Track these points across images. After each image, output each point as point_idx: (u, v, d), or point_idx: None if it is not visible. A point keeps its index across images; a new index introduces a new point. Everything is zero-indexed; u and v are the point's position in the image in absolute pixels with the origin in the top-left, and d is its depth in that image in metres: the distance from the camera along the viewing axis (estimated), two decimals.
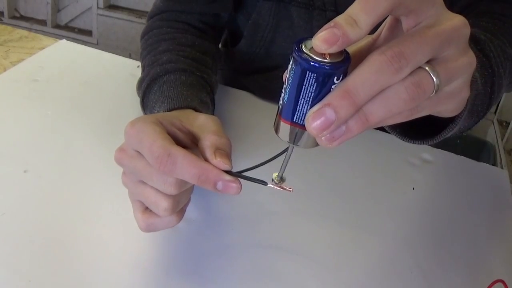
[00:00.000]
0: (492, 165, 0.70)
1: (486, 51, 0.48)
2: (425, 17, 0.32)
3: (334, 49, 0.30)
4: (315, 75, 0.31)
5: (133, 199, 0.45)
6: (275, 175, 0.40)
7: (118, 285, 0.46)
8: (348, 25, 0.29)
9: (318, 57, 0.30)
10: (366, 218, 0.58)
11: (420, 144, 0.43)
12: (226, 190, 0.40)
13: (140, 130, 0.41)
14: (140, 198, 0.44)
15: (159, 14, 0.73)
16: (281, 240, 0.53)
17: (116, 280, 0.47)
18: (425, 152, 0.69)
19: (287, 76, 0.32)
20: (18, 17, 2.73)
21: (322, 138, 0.32)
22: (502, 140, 1.77)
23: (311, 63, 0.30)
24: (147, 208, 0.44)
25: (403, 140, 0.44)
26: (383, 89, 0.31)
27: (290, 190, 0.40)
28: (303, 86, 0.31)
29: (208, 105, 0.58)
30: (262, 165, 0.42)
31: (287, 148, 0.38)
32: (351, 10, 0.30)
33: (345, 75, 0.31)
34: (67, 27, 2.68)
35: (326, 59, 0.30)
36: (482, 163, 0.70)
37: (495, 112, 1.83)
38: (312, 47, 0.30)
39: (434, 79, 0.31)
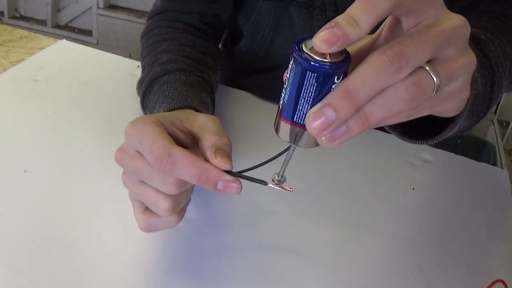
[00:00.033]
0: (492, 165, 0.70)
1: (486, 51, 0.48)
2: (425, 17, 0.32)
3: (334, 49, 0.30)
4: (315, 75, 0.31)
5: (133, 199, 0.45)
6: (275, 175, 0.40)
7: (118, 285, 0.46)
8: (348, 25, 0.29)
9: (319, 57, 0.30)
10: (366, 218, 0.58)
11: (420, 144, 0.43)
12: (226, 190, 0.40)
13: (141, 130, 0.41)
14: (140, 198, 0.44)
15: (159, 14, 0.73)
16: (281, 240, 0.53)
17: (116, 280, 0.47)
18: (425, 152, 0.69)
19: (288, 76, 0.32)
20: (18, 17, 2.73)
21: (323, 138, 0.32)
22: (502, 140, 1.77)
23: (312, 63, 0.30)
24: (147, 208, 0.44)
25: (403, 140, 0.44)
26: (383, 89, 0.31)
27: (290, 190, 0.40)
28: (304, 86, 0.31)
29: (208, 105, 0.58)
30: (262, 165, 0.42)
31: (288, 148, 0.38)
32: (352, 10, 0.30)
33: (345, 75, 0.31)
34: (67, 27, 2.68)
35: (327, 59, 0.30)
36: (482, 163, 0.70)
37: (495, 112, 1.83)
38: (313, 47, 0.30)
39: (435, 79, 0.31)
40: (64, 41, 0.87)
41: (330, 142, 0.32)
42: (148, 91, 0.60)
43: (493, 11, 0.62)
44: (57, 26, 2.67)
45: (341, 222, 0.57)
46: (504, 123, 2.01)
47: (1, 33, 0.88)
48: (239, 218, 0.55)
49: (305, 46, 0.31)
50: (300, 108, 0.32)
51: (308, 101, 0.32)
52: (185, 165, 0.39)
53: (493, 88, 0.47)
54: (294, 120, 0.33)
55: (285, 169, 0.40)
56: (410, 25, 0.32)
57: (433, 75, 0.31)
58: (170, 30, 0.69)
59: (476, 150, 1.14)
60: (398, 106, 0.31)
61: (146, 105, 0.61)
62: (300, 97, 0.32)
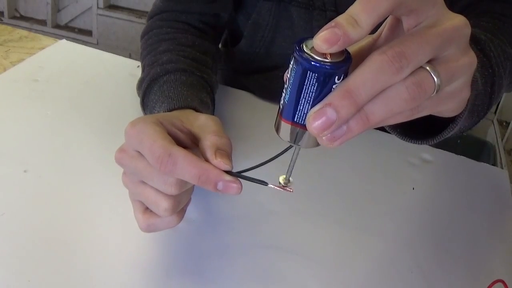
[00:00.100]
0: (492, 165, 0.70)
1: (486, 51, 0.48)
2: (426, 17, 0.32)
3: (335, 49, 0.30)
4: (316, 75, 0.31)
5: (133, 199, 0.45)
6: (282, 177, 0.40)
7: (118, 285, 0.46)
8: (349, 25, 0.29)
9: (319, 57, 0.30)
10: (366, 218, 0.58)
11: (421, 144, 0.43)
12: (226, 190, 0.40)
13: (141, 131, 0.41)
14: (141, 198, 0.44)
15: (159, 14, 0.73)
16: (281, 240, 0.53)
17: (116, 280, 0.47)
18: (425, 152, 0.69)
19: (288, 76, 0.32)
20: (18, 17, 2.73)
21: (323, 138, 0.32)
22: (502, 140, 1.77)
23: (312, 63, 0.30)
24: (147, 208, 0.44)
25: (404, 140, 0.44)
26: (384, 89, 0.31)
27: (290, 191, 0.40)
28: (304, 86, 0.31)
29: (208, 105, 0.58)
30: (262, 165, 0.42)
31: (288, 148, 0.38)
32: (352, 10, 0.30)
33: (346, 75, 0.31)
34: (67, 27, 2.68)
35: (327, 59, 0.30)
36: (482, 163, 0.70)
37: (495, 112, 1.84)
38: (313, 47, 0.30)
39: (435, 79, 0.31)
40: (64, 41, 0.87)
41: (331, 142, 0.32)
42: (148, 91, 0.60)
43: (493, 11, 0.63)
44: (57, 26, 2.67)
45: (341, 222, 0.57)
46: (504, 123, 2.01)
47: (1, 33, 0.88)
48: (239, 218, 0.55)
49: (306, 46, 0.31)
50: (301, 108, 0.32)
51: (308, 101, 0.32)
52: (185, 165, 0.39)
53: (493, 88, 0.47)
54: (295, 120, 0.33)
55: (291, 171, 0.40)
56: (411, 25, 0.32)
57: (434, 75, 0.31)
58: (170, 30, 0.69)
59: (476, 150, 1.14)
60: (399, 106, 0.31)
61: (146, 105, 0.61)
62: (300, 97, 0.32)
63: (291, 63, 0.32)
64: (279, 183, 0.40)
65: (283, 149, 0.39)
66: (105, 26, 2.56)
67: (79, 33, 2.63)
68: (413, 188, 0.63)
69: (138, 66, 0.77)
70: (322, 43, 0.29)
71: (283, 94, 0.33)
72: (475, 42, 0.48)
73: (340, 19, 0.30)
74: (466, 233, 0.57)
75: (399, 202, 0.61)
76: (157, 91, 0.58)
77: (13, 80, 0.74)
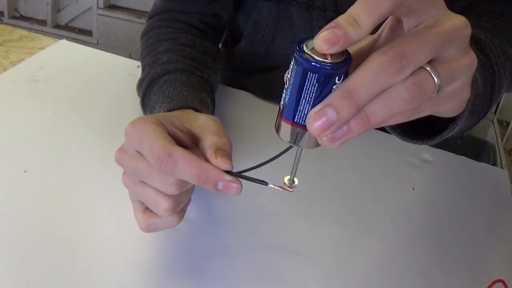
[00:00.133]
0: (492, 165, 0.70)
1: (486, 51, 0.48)
2: (426, 17, 0.32)
3: (335, 49, 0.30)
4: (316, 75, 0.31)
5: (133, 199, 0.45)
6: (286, 178, 0.40)
7: (118, 285, 0.46)
8: (349, 25, 0.29)
9: (320, 58, 0.30)
10: (366, 218, 0.58)
11: (421, 144, 0.43)
12: (226, 190, 0.40)
13: (141, 131, 0.41)
14: (141, 198, 0.44)
15: (159, 14, 0.73)
16: (281, 240, 0.53)
17: (116, 280, 0.47)
18: (425, 152, 0.69)
19: (288, 76, 0.32)
20: (18, 17, 2.73)
21: (324, 138, 0.32)
22: (502, 140, 1.77)
23: (313, 63, 0.30)
24: (147, 208, 0.44)
25: (404, 140, 0.44)
26: (384, 89, 0.31)
27: (290, 191, 0.41)
28: (304, 87, 0.31)
29: (208, 105, 0.58)
30: (263, 165, 0.42)
31: (288, 148, 0.38)
32: (352, 10, 0.30)
33: (346, 75, 0.31)
34: (67, 27, 2.68)
35: (328, 60, 0.30)
36: (482, 163, 0.70)
37: (495, 112, 1.84)
38: (314, 48, 0.30)
39: (435, 79, 0.31)
40: (64, 41, 0.87)
41: (331, 142, 0.32)
42: (148, 91, 0.60)
43: (493, 11, 0.63)
44: (57, 26, 2.67)
45: (341, 222, 0.57)
46: (504, 123, 2.01)
47: (1, 33, 0.88)
48: (239, 218, 0.55)
49: (306, 46, 0.31)
50: (301, 109, 0.32)
51: (309, 102, 0.32)
52: (186, 165, 0.39)
53: (493, 89, 0.47)
54: (295, 120, 0.33)
55: (295, 172, 0.40)
56: (411, 25, 0.32)
57: (434, 75, 0.31)
58: (170, 30, 0.69)
59: (476, 150, 1.15)
60: (399, 106, 0.31)
61: (146, 105, 0.61)
62: (301, 97, 0.32)
63: (291, 63, 0.32)
64: (284, 183, 0.40)
65: (283, 149, 0.39)
66: (105, 26, 2.56)
67: (79, 33, 2.63)
68: (413, 188, 0.63)
69: (138, 66, 0.77)
70: (323, 43, 0.29)
71: (283, 95, 0.33)
72: (475, 42, 0.48)
73: (341, 19, 0.30)
74: (466, 233, 0.57)
75: (399, 202, 0.61)
76: (157, 91, 0.58)
77: (13, 80, 0.74)
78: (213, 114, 0.59)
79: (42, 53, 0.82)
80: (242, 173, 0.41)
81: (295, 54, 0.31)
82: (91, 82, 0.76)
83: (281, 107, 0.34)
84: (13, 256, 0.48)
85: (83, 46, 0.86)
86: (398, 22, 0.35)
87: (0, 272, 0.46)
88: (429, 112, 0.35)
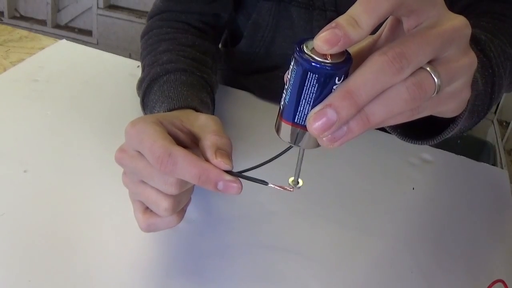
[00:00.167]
0: (492, 165, 0.70)
1: (486, 52, 0.48)
2: (426, 17, 0.32)
3: (335, 50, 0.30)
4: (316, 75, 0.31)
5: (133, 199, 0.45)
6: (291, 179, 0.40)
7: (118, 285, 0.46)
8: (349, 25, 0.29)
9: (320, 58, 0.30)
10: (366, 218, 0.58)
11: (421, 144, 0.43)
12: (227, 190, 0.40)
13: (141, 130, 0.41)
14: (141, 198, 0.44)
15: (159, 14, 0.73)
16: (281, 240, 0.53)
17: (116, 280, 0.47)
18: (425, 152, 0.69)
19: (288, 77, 0.32)
20: (18, 17, 2.73)
21: (324, 138, 0.32)
22: (502, 140, 1.77)
23: (313, 63, 0.30)
24: (147, 208, 0.44)
25: (404, 140, 0.44)
26: (384, 89, 0.31)
27: (290, 190, 0.41)
28: (305, 87, 0.31)
29: (208, 105, 0.58)
30: (263, 165, 0.42)
31: (288, 148, 0.38)
32: (353, 10, 0.30)
33: (346, 75, 0.31)
34: (67, 27, 2.67)
35: (328, 60, 0.30)
36: (482, 163, 0.70)
37: (495, 112, 1.83)
38: (314, 48, 0.30)
39: (435, 79, 0.31)
40: (64, 41, 0.87)
41: (331, 143, 0.32)
42: (148, 91, 0.60)
43: (493, 11, 0.63)
44: (57, 26, 2.67)
45: (341, 222, 0.57)
46: (504, 123, 2.01)
47: (1, 33, 0.88)
48: (239, 218, 0.55)
49: (306, 47, 0.31)
50: (301, 109, 0.32)
51: (309, 102, 0.32)
52: (186, 165, 0.39)
53: (493, 89, 0.47)
54: (295, 121, 0.33)
55: (299, 173, 0.40)
56: (411, 25, 0.32)
57: (434, 75, 0.31)
58: (170, 30, 0.69)
59: (476, 150, 1.15)
60: (399, 106, 0.31)
61: (146, 105, 0.61)
62: (301, 98, 0.32)
63: (292, 64, 0.32)
64: (289, 184, 0.40)
65: (283, 150, 0.39)
66: (105, 26, 2.56)
67: (79, 33, 2.63)
68: (413, 188, 0.63)
69: (138, 66, 0.77)
70: (323, 44, 0.29)
71: (284, 95, 0.33)
72: (475, 42, 0.48)
73: (341, 19, 0.30)
74: (466, 233, 0.57)
75: (399, 202, 0.61)
76: (157, 91, 0.58)
77: (13, 80, 0.74)
78: (213, 114, 0.59)
79: (42, 53, 0.82)
80: (242, 173, 0.41)
81: (295, 55, 0.31)
82: (91, 82, 0.76)
83: (281, 107, 0.34)
84: (13, 256, 0.48)
85: (83, 46, 0.86)
86: (398, 22, 0.35)
87: (0, 272, 0.46)
88: (429, 113, 0.35)
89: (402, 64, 0.30)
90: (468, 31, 0.33)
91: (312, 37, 0.31)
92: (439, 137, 0.42)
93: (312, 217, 0.57)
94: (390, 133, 0.45)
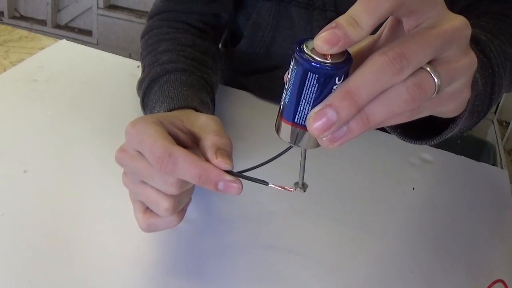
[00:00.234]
0: (492, 165, 0.70)
1: (486, 52, 0.48)
2: (426, 17, 0.32)
3: (335, 50, 0.30)
4: (316, 76, 0.31)
5: (133, 199, 0.45)
6: (295, 182, 0.40)
7: (118, 285, 0.46)
8: (349, 25, 0.29)
9: (320, 58, 0.30)
10: (366, 218, 0.58)
11: (421, 144, 0.43)
12: (227, 190, 0.40)
13: (141, 130, 0.41)
14: (141, 198, 0.44)
15: (159, 14, 0.73)
16: (281, 240, 0.53)
17: (116, 280, 0.47)
18: (425, 152, 0.69)
19: (288, 77, 0.32)
20: (18, 17, 2.72)
21: (324, 138, 0.32)
22: (502, 140, 1.77)
23: (313, 63, 0.30)
24: (147, 208, 0.44)
25: (404, 140, 0.44)
26: (384, 89, 0.31)
27: (291, 190, 0.41)
28: (305, 87, 0.31)
29: (208, 105, 0.58)
30: (263, 165, 0.42)
31: (288, 148, 0.38)
32: (353, 10, 0.30)
33: (346, 75, 0.31)
34: (67, 27, 2.67)
35: (328, 60, 0.30)
36: (482, 163, 0.70)
37: (495, 112, 1.83)
38: (314, 48, 0.30)
39: (435, 79, 0.31)
40: (64, 41, 0.87)
41: (331, 143, 0.32)
42: (148, 91, 0.60)
43: (493, 11, 0.63)
44: (57, 26, 2.67)
45: (341, 222, 0.57)
46: (504, 123, 2.01)
47: (1, 33, 0.88)
48: (239, 218, 0.55)
49: (306, 47, 0.31)
50: (301, 109, 0.32)
51: (309, 102, 0.32)
52: (186, 165, 0.39)
53: (493, 89, 0.47)
54: (295, 121, 0.33)
55: (303, 175, 0.40)
56: (411, 25, 0.32)
57: (434, 76, 0.31)
58: (170, 30, 0.69)
59: (476, 150, 1.15)
60: (399, 106, 0.31)
61: (146, 105, 0.61)
62: (301, 98, 0.32)
63: (292, 64, 0.32)
64: (294, 185, 0.40)
65: (283, 150, 0.39)
66: (105, 26, 2.56)
67: (79, 33, 2.63)
68: (413, 188, 0.63)
69: (138, 66, 0.77)
70: (323, 44, 0.29)
71: (284, 95, 0.33)
72: (475, 42, 0.49)
73: (341, 20, 0.30)
74: (466, 233, 0.57)
75: (399, 202, 0.61)
76: (157, 91, 0.58)
77: (13, 80, 0.74)
78: (213, 114, 0.59)
79: (42, 53, 0.82)
80: (242, 173, 0.41)
81: (295, 55, 0.31)
82: (91, 82, 0.76)
83: (281, 107, 0.34)
84: (13, 256, 0.48)
85: (83, 46, 0.86)
86: (398, 23, 0.35)
87: (0, 272, 0.46)
88: (429, 113, 0.35)
89: (402, 64, 0.30)
90: (468, 31, 0.33)
91: (312, 37, 0.31)
92: (439, 137, 0.42)
93: (312, 217, 0.57)
94: (390, 133, 0.45)
